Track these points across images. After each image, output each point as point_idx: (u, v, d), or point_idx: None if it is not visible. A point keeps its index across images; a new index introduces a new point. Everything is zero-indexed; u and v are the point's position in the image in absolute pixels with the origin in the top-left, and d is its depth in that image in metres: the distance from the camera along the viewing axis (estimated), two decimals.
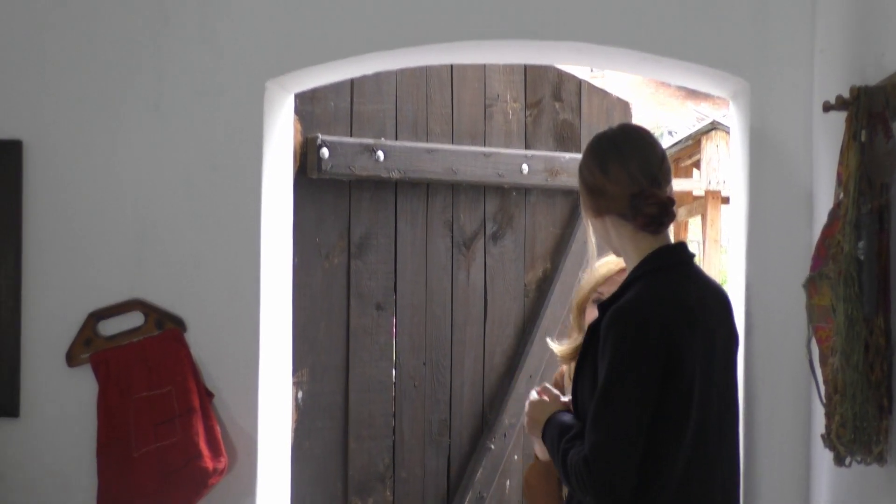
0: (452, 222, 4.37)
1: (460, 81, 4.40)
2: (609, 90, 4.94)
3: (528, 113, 4.58)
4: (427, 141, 4.28)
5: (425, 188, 4.30)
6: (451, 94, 4.37)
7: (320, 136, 3.93)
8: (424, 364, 4.29)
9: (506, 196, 4.52)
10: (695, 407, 2.53)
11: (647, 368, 2.48)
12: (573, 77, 4.75)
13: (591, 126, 4.66)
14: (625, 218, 2.64)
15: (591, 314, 3.00)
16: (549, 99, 4.65)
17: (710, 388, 2.56)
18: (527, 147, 4.56)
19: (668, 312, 2.52)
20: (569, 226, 4.63)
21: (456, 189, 4.39)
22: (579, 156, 4.16)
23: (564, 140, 4.67)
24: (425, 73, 4.27)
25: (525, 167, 4.48)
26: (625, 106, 4.89)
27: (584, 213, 2.80)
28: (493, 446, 4.40)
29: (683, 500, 2.54)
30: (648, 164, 2.63)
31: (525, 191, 4.57)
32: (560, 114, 4.67)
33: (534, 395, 2.90)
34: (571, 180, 4.51)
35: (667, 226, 2.66)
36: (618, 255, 2.80)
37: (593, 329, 2.63)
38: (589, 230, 2.85)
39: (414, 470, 4.25)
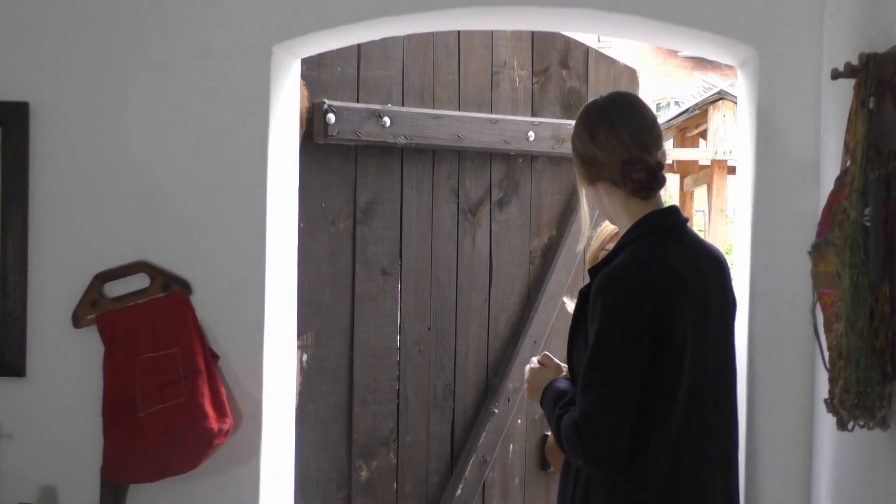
0: (458, 189, 4.37)
1: (467, 48, 4.38)
2: (616, 58, 4.92)
3: (534, 80, 4.57)
4: (433, 107, 4.27)
5: (431, 154, 4.30)
6: (458, 60, 4.36)
7: (327, 101, 3.93)
8: (429, 329, 4.31)
9: (512, 163, 4.52)
10: (686, 372, 2.53)
11: (635, 332, 2.48)
12: (581, 44, 4.73)
13: (598, 94, 4.62)
14: (616, 185, 2.66)
15: None
16: (556, 66, 4.63)
17: (705, 353, 2.57)
18: (533, 114, 4.56)
19: (658, 276, 2.52)
20: (574, 193, 4.62)
21: (462, 155, 4.38)
22: None
23: (571, 108, 4.65)
24: (432, 39, 4.27)
25: (531, 134, 4.48)
26: (632, 74, 4.88)
27: (578, 182, 2.80)
28: (496, 410, 4.42)
29: (678, 466, 2.54)
30: (638, 131, 2.64)
31: (531, 158, 4.57)
32: (567, 81, 4.66)
33: (534, 362, 2.91)
34: None
35: (656, 191, 2.67)
36: (612, 222, 2.81)
37: (584, 294, 2.63)
38: (582, 199, 2.86)
39: (418, 434, 4.27)
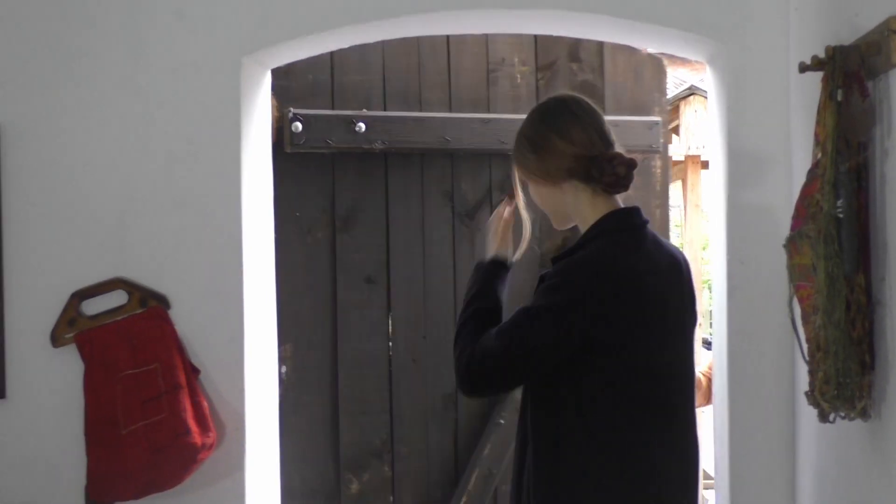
0: (452, 192, 4.26)
1: (458, 47, 4.26)
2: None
3: (539, 76, 4.39)
4: (420, 110, 4.19)
5: (419, 158, 4.21)
6: (448, 60, 4.26)
7: (292, 109, 3.90)
8: (424, 338, 4.22)
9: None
10: (630, 375, 2.49)
11: (566, 322, 2.45)
12: None
13: (617, 86, 4.43)
14: (585, 181, 2.62)
15: None
16: (564, 60, 4.42)
17: (658, 356, 2.53)
18: None
19: (618, 277, 2.49)
20: None
21: (455, 158, 4.26)
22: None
23: None
24: (417, 40, 4.16)
25: None
26: (657, 63, 4.57)
27: (531, 187, 2.73)
28: (502, 421, 4.30)
29: (629, 471, 2.51)
30: (602, 127, 2.63)
31: None
32: (578, 75, 4.43)
33: (507, 212, 2.87)
34: None
35: (627, 187, 2.63)
36: (568, 222, 2.73)
37: (542, 278, 2.61)
38: (521, 206, 2.83)
39: (416, 445, 4.18)
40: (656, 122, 4.14)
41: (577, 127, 2.62)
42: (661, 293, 2.55)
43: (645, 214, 2.66)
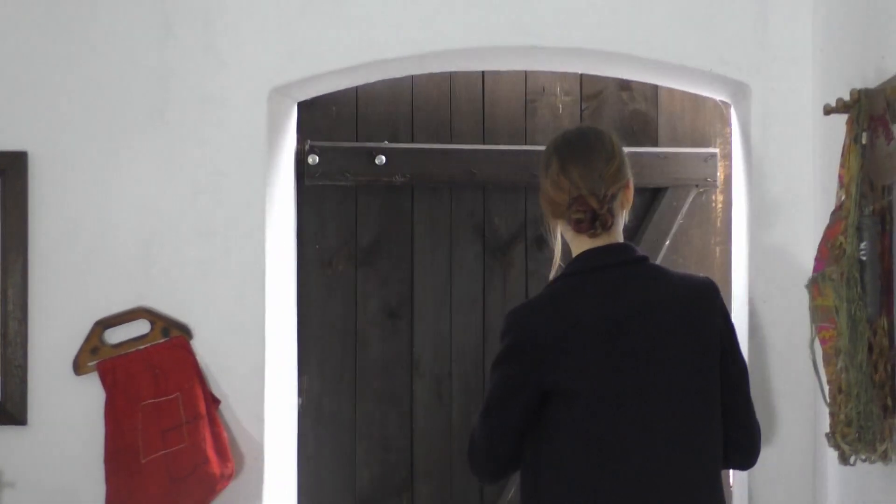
0: (484, 226, 4.10)
1: (493, 78, 4.10)
2: None
3: (584, 106, 4.16)
4: (451, 142, 4.08)
5: (447, 191, 4.09)
6: (483, 90, 4.11)
7: (309, 141, 3.88)
8: (450, 375, 4.17)
9: None
10: (580, 415, 2.54)
11: (512, 371, 2.58)
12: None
13: (673, 116, 4.11)
14: (567, 222, 2.65)
15: None
16: (613, 89, 4.15)
17: (615, 398, 2.53)
18: None
19: (549, 322, 2.56)
20: (641, 224, 4.07)
21: (487, 191, 4.11)
22: (651, 150, 3.97)
23: (636, 133, 4.10)
24: (448, 72, 4.03)
25: None
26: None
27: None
28: None
29: None
30: (589, 168, 2.61)
31: None
32: (629, 104, 4.16)
33: None
34: (641, 178, 3.69)
35: (599, 230, 2.61)
36: None
37: None
38: (556, 233, 2.82)
39: (439, 485, 4.06)
40: (712, 154, 3.99)
41: (557, 169, 2.64)
42: (618, 335, 2.55)
43: (640, 251, 2.67)
